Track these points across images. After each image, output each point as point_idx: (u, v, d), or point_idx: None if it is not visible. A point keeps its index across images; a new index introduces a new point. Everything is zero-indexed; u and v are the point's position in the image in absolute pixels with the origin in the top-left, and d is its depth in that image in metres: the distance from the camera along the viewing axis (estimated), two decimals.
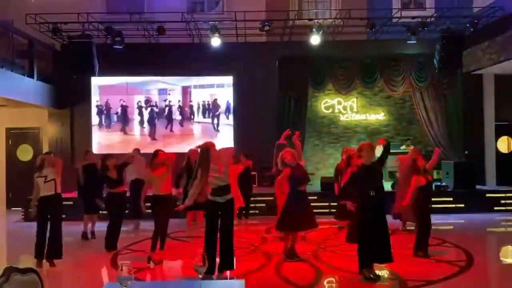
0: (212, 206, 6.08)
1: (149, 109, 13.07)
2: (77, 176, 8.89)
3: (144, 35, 12.09)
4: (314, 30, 11.49)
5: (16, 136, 13.37)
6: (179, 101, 13.10)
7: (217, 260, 6.03)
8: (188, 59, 12.39)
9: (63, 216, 7.27)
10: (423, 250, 7.10)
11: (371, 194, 5.83)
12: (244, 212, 10.24)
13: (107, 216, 8.08)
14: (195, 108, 13.10)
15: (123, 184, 8.09)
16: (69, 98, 12.77)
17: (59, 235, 6.91)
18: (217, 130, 13.03)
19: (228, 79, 13.00)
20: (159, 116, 13.10)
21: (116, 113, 13.04)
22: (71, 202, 9.85)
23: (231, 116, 13.03)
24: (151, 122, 13.08)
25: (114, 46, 11.50)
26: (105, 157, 8.20)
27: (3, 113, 12.87)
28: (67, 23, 11.24)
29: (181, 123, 13.10)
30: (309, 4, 13.83)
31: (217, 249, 6.03)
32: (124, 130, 13.08)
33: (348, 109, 14.09)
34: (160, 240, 7.00)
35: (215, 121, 13.08)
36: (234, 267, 6.17)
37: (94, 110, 12.98)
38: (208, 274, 5.70)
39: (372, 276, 5.88)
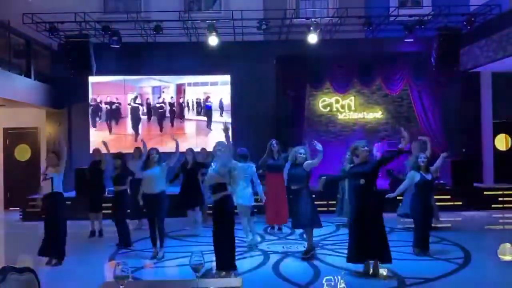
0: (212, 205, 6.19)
1: (141, 107, 13.03)
2: (84, 174, 9.00)
3: (141, 34, 12.07)
4: (311, 28, 11.47)
5: (14, 136, 13.35)
6: (171, 97, 13.07)
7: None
8: (186, 58, 12.38)
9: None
10: (420, 247, 7.15)
11: (354, 191, 6.09)
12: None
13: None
14: (189, 106, 13.07)
15: (123, 184, 8.16)
16: (67, 98, 12.76)
17: (59, 233, 7.02)
18: (210, 128, 13.01)
19: (223, 77, 12.99)
20: (152, 114, 13.07)
21: (107, 108, 12.99)
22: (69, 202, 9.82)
23: (224, 114, 12.99)
24: (140, 120, 13.03)
25: (111, 45, 11.47)
26: (113, 156, 8.29)
27: (1, 113, 12.83)
28: (64, 23, 11.20)
29: (173, 121, 13.06)
30: (306, 2, 13.82)
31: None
32: (110, 129, 12.99)
33: (346, 107, 14.09)
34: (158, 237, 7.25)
35: (208, 119, 13.05)
36: (232, 268, 6.17)
37: (91, 110, 12.94)
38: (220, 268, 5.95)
39: (367, 271, 6.10)
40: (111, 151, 8.75)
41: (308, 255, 7.03)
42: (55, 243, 6.95)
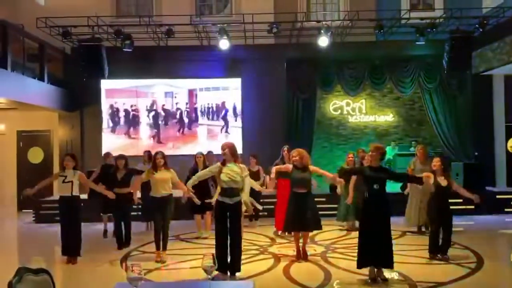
0: (219, 206, 6.15)
1: (157, 112, 13.12)
2: (95, 176, 9.15)
3: (153, 38, 12.16)
4: (322, 31, 11.48)
5: (27, 139, 13.51)
6: (186, 103, 13.14)
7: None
8: (197, 62, 12.46)
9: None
10: (440, 253, 7.02)
11: (365, 195, 5.95)
12: (254, 214, 10.18)
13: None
14: (201, 111, 13.12)
15: (127, 186, 8.20)
16: (79, 101, 12.90)
17: (76, 234, 7.23)
18: (227, 132, 13.02)
19: (234, 82, 13.03)
20: (167, 119, 13.15)
21: (124, 115, 13.10)
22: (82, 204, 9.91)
23: (238, 118, 13.04)
24: (157, 125, 13.13)
25: (124, 49, 11.58)
26: (116, 157, 8.50)
27: (15, 116, 13.01)
28: (77, 27, 11.32)
29: (187, 126, 13.12)
30: (317, 5, 13.83)
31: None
32: (128, 133, 13.10)
33: (356, 110, 14.07)
34: (162, 240, 7.19)
35: (223, 123, 13.08)
36: (240, 270, 6.22)
37: (104, 113, 13.05)
38: (220, 272, 5.92)
39: (374, 278, 5.93)
40: (127, 155, 8.82)
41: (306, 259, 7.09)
42: (76, 243, 7.20)
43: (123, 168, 8.20)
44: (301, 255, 7.16)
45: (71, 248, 7.21)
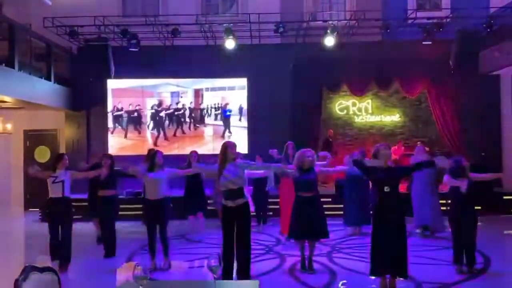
0: (224, 210, 5.95)
1: (162, 111, 13.14)
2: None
3: (159, 38, 12.19)
4: (328, 31, 11.47)
5: (34, 138, 13.57)
6: (190, 102, 13.15)
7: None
8: (203, 61, 12.46)
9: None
10: (459, 263, 6.50)
11: (376, 199, 5.56)
12: (261, 214, 10.13)
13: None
14: (207, 111, 13.14)
15: (112, 188, 7.72)
16: (86, 101, 12.94)
17: (67, 239, 6.81)
18: (230, 132, 13.03)
19: (240, 82, 13.03)
20: (173, 119, 13.15)
21: (128, 115, 13.13)
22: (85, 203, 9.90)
23: (243, 119, 13.04)
24: (163, 125, 13.13)
25: (130, 49, 11.61)
26: (102, 156, 7.99)
27: (21, 115, 13.07)
28: (83, 26, 11.38)
29: (193, 126, 13.14)
30: (324, 5, 13.80)
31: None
32: (134, 133, 13.12)
33: (363, 110, 14.01)
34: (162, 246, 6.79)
35: (229, 123, 13.08)
36: (250, 277, 5.88)
37: (110, 113, 13.08)
38: (225, 279, 5.61)
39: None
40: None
41: (312, 270, 6.60)
42: (64, 248, 6.79)
43: (107, 169, 7.46)
44: (306, 265, 6.61)
45: (61, 254, 6.75)
